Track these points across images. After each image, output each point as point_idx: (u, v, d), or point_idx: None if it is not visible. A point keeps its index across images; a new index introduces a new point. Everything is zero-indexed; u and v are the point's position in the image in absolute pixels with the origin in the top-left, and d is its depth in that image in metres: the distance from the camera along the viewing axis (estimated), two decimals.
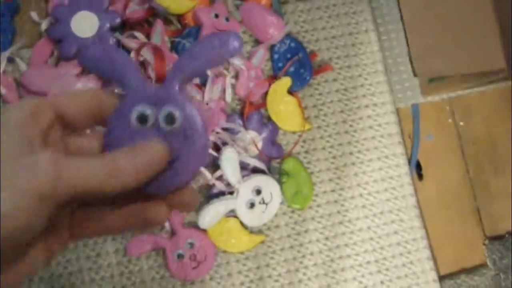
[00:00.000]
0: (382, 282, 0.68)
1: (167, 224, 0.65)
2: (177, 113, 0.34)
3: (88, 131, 0.36)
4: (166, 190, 0.35)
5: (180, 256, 0.64)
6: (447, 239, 0.71)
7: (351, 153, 0.69)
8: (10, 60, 0.64)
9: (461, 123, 0.72)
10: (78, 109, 0.34)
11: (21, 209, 0.28)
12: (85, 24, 0.63)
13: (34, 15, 0.65)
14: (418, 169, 0.71)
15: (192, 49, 0.35)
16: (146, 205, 0.35)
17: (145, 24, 0.66)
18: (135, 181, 0.32)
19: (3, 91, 0.63)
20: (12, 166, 0.29)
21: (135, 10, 0.65)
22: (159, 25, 0.64)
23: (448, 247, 0.71)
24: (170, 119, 0.34)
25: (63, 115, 0.33)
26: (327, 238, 0.68)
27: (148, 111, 0.34)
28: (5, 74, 0.64)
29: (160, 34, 0.65)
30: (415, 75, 0.56)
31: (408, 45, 0.59)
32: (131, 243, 0.64)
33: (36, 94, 0.62)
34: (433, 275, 0.69)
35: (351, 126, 0.69)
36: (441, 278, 0.70)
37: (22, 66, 0.64)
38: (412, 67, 0.55)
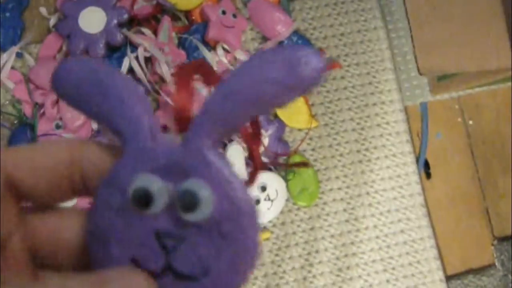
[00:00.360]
0: (388, 281, 0.68)
1: None
2: (204, 193, 0.21)
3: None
4: None
5: None
6: (455, 239, 0.70)
7: (358, 151, 0.69)
8: (19, 55, 0.65)
9: (471, 122, 0.72)
10: (42, 176, 0.22)
11: None
12: (92, 20, 0.64)
13: (43, 10, 0.66)
14: (426, 168, 0.71)
15: (237, 76, 0.21)
16: None
17: (152, 20, 0.66)
18: None
19: (12, 86, 0.64)
20: None
21: (143, 6, 0.66)
22: (166, 21, 0.65)
23: (456, 247, 0.70)
24: (193, 203, 0.21)
25: (16, 185, 0.22)
26: (332, 236, 0.68)
27: (157, 186, 0.21)
28: (14, 69, 0.65)
29: (167, 30, 0.65)
30: (420, 73, 0.55)
31: (412, 42, 0.59)
32: None
33: (43, 89, 0.63)
34: (440, 274, 0.68)
35: (358, 124, 0.69)
36: (448, 278, 0.69)
37: (31, 61, 0.65)
38: (417, 65, 0.55)
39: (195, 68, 0.23)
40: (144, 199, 0.21)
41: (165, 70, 0.64)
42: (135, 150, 0.22)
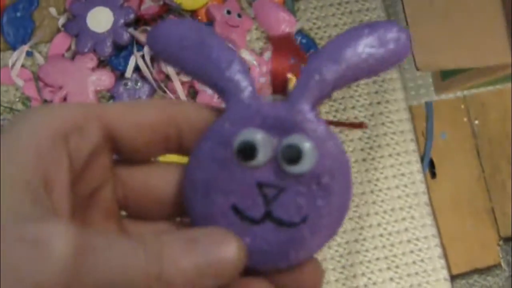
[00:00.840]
0: (391, 279, 0.68)
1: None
2: (309, 148, 0.23)
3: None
4: (281, 265, 0.24)
5: None
6: (460, 239, 0.70)
7: (362, 150, 0.69)
8: (29, 54, 0.67)
9: (476, 122, 0.72)
10: (141, 132, 0.23)
11: None
12: (100, 20, 0.65)
13: (52, 10, 0.68)
14: (431, 168, 0.71)
15: (337, 44, 0.24)
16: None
17: (158, 19, 0.68)
18: None
19: (22, 83, 0.66)
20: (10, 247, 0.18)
21: (149, 6, 0.67)
22: None
23: (461, 246, 0.70)
24: (297, 156, 0.23)
25: (115, 138, 0.23)
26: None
27: (261, 139, 0.23)
28: (24, 67, 0.67)
29: None
30: (417, 68, 0.56)
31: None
32: None
33: (52, 87, 0.65)
34: (444, 273, 0.68)
35: None
36: (453, 278, 0.69)
37: (40, 60, 0.67)
38: (414, 60, 0.55)
39: (288, 39, 0.27)
40: (249, 150, 0.23)
41: (171, 69, 0.65)
42: (239, 106, 0.23)
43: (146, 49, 0.66)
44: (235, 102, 0.24)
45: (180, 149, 0.25)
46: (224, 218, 0.23)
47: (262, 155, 0.23)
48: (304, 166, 0.23)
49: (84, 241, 0.19)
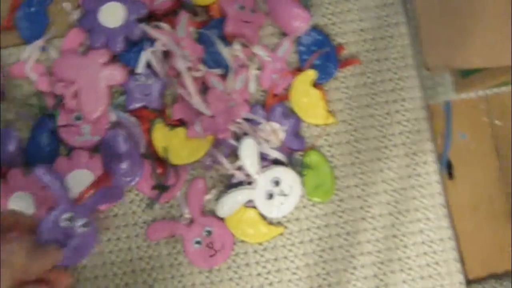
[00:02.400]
0: (404, 281, 0.66)
1: (186, 212, 0.66)
2: None
3: None
4: None
5: (198, 244, 0.65)
6: (476, 242, 0.68)
7: (376, 148, 0.68)
8: (43, 49, 0.68)
9: (497, 122, 0.69)
10: None
11: None
12: (112, 15, 0.66)
13: (66, 6, 0.68)
14: (449, 169, 0.69)
15: None
16: None
17: (171, 15, 0.67)
18: None
19: (35, 78, 0.66)
20: None
21: (162, 1, 0.67)
22: (183, 17, 0.66)
23: (478, 250, 0.68)
24: None
25: None
26: (348, 233, 0.67)
27: None
28: (38, 62, 0.68)
29: (184, 25, 0.66)
30: (426, 68, 0.54)
31: (419, 36, 0.57)
32: (151, 227, 0.66)
33: (64, 82, 0.65)
34: (459, 277, 0.66)
35: (377, 120, 0.68)
36: (469, 282, 0.67)
37: (54, 54, 0.67)
38: (423, 59, 0.53)
39: None
40: None
41: (182, 64, 0.65)
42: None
43: (157, 45, 0.65)
44: None
45: None
46: None
47: None
48: None
49: None
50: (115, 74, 0.66)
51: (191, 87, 0.65)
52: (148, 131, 0.66)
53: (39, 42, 0.67)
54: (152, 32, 0.65)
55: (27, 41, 0.67)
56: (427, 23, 0.54)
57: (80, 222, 0.54)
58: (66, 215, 0.53)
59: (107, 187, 0.60)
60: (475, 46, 0.51)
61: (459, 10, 0.52)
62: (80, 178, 0.65)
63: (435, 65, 0.53)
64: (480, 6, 0.51)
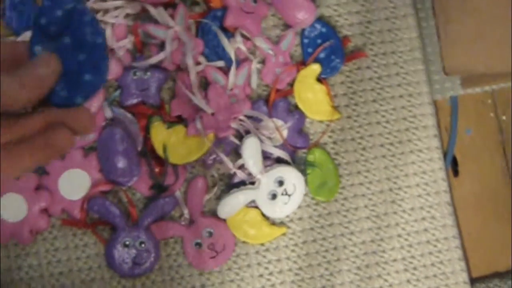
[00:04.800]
0: (408, 281, 0.65)
1: (186, 212, 0.64)
2: None
3: None
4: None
5: (198, 245, 0.63)
6: (481, 241, 0.67)
7: (382, 145, 0.66)
8: None
9: (504, 117, 0.68)
10: None
11: None
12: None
13: None
14: (454, 165, 0.67)
15: None
16: (49, 133, 0.36)
17: (169, 7, 0.64)
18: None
19: None
20: None
21: None
22: (181, 8, 0.62)
23: (482, 249, 0.67)
24: None
25: None
26: (352, 233, 0.65)
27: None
28: None
29: (183, 17, 0.62)
30: (445, 73, 0.52)
31: (439, 40, 0.55)
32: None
33: None
34: (464, 276, 0.65)
35: (383, 116, 0.66)
36: (473, 281, 0.66)
37: None
38: (443, 64, 0.51)
39: None
40: None
41: (190, 57, 0.61)
42: None
43: (170, 33, 0.62)
44: None
45: None
46: None
47: None
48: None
49: None
50: (111, 68, 0.62)
51: (195, 83, 0.62)
52: (145, 128, 0.63)
53: (28, 33, 0.62)
54: (167, 19, 0.62)
55: (15, 32, 0.63)
56: (446, 24, 0.51)
57: (138, 241, 0.61)
58: (126, 241, 0.61)
59: (156, 202, 0.62)
60: (497, 49, 0.49)
61: (480, 10, 0.50)
62: (74, 178, 0.62)
63: (455, 70, 0.50)
64: (502, 5, 0.49)
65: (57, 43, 0.37)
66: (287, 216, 0.65)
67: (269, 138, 0.64)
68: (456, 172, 0.67)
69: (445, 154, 0.67)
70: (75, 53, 0.37)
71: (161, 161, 0.63)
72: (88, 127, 0.38)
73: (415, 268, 0.65)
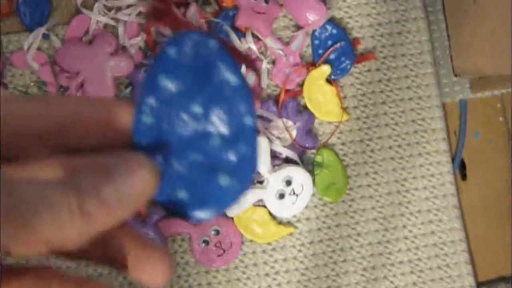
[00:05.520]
0: (414, 284, 0.65)
1: None
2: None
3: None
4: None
5: (205, 243, 0.64)
6: (487, 245, 0.67)
7: (390, 147, 0.66)
8: (46, 37, 0.64)
9: None
10: (12, 126, 0.21)
11: None
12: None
13: None
14: (462, 169, 0.67)
15: None
16: None
17: (181, 6, 0.64)
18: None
19: (37, 67, 0.63)
20: None
21: None
22: (193, 7, 0.63)
23: (489, 253, 0.67)
24: None
25: None
26: (359, 234, 0.65)
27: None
28: (40, 50, 0.64)
29: (195, 16, 0.63)
30: (455, 74, 0.52)
31: (449, 41, 0.55)
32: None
33: (69, 72, 0.62)
34: (470, 280, 0.65)
35: (392, 119, 0.66)
36: (479, 285, 0.66)
37: (57, 43, 0.64)
38: (452, 65, 0.51)
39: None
40: None
41: None
42: None
43: None
44: None
45: (66, 146, 0.23)
46: None
47: None
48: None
49: (6, 183, 0.19)
50: (122, 65, 0.62)
51: None
52: None
53: (41, 30, 0.63)
54: (163, 29, 0.62)
55: (28, 28, 0.64)
56: (457, 25, 0.52)
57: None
58: None
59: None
60: (508, 52, 0.49)
61: (492, 11, 0.50)
62: None
63: (464, 72, 0.50)
64: (510, 13, 0.49)
65: (177, 111, 0.24)
66: (295, 216, 0.65)
67: (278, 138, 0.64)
68: (464, 176, 0.68)
69: (453, 158, 0.67)
70: (206, 132, 0.24)
71: None
72: (158, 282, 0.24)
73: (421, 271, 0.65)
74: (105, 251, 0.24)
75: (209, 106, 0.24)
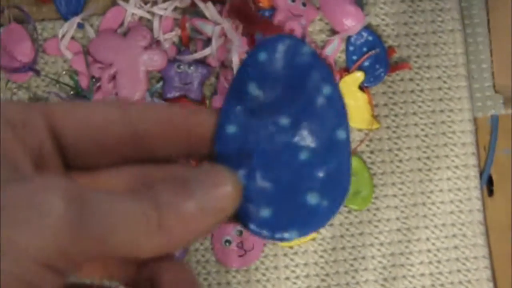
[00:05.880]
0: None
1: None
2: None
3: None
4: None
5: (227, 242, 0.63)
6: (511, 263, 0.66)
7: (419, 159, 0.65)
8: (80, 26, 0.64)
9: None
10: (86, 128, 0.21)
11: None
12: None
13: None
14: (489, 185, 0.67)
15: None
16: None
17: (218, 3, 0.64)
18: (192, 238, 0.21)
19: (70, 56, 0.63)
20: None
21: None
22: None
23: (510, 270, 0.66)
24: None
25: (61, 137, 0.21)
26: (382, 244, 0.65)
27: None
28: (74, 39, 0.64)
29: None
30: (495, 90, 0.51)
31: (491, 56, 0.54)
32: None
33: (102, 63, 0.62)
34: None
35: (422, 130, 0.66)
36: None
37: (91, 33, 0.64)
38: (493, 81, 0.50)
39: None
40: None
41: (236, 55, 0.61)
42: None
43: (217, 30, 0.62)
44: None
45: (140, 155, 0.22)
46: None
47: None
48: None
49: (79, 194, 0.18)
50: (155, 59, 0.62)
51: None
52: None
53: (76, 19, 0.63)
54: (216, 15, 0.62)
55: (64, 16, 0.64)
56: (500, 40, 0.51)
57: None
58: None
59: None
60: None
61: None
62: None
63: (506, 88, 0.50)
64: None
65: (265, 123, 0.23)
66: None
67: None
68: (491, 192, 0.67)
69: (480, 173, 0.67)
70: (294, 147, 0.22)
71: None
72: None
73: (442, 285, 0.65)
74: (151, 282, 0.23)
75: (300, 117, 0.22)
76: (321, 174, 0.22)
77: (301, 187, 0.22)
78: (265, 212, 0.22)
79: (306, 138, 0.22)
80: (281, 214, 0.22)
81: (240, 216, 0.22)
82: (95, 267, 0.21)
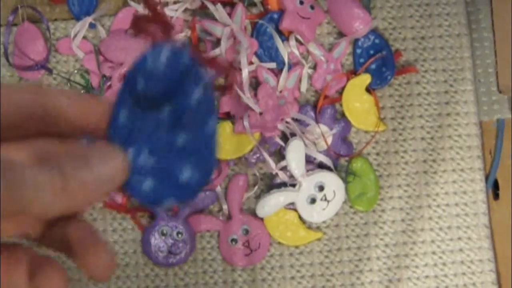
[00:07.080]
0: None
1: (224, 207, 0.64)
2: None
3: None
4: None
5: (233, 241, 0.64)
6: None
7: (424, 161, 0.66)
8: (92, 26, 0.65)
9: None
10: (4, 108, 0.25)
11: None
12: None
13: None
14: (495, 188, 0.67)
15: None
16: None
17: (227, 6, 0.65)
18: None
19: (82, 55, 0.64)
20: None
21: None
22: (240, 8, 0.63)
23: None
24: None
25: None
26: (387, 245, 0.65)
27: None
28: (86, 39, 0.65)
29: (240, 16, 0.63)
30: (499, 90, 0.52)
31: (496, 57, 0.55)
32: (189, 220, 0.64)
33: (113, 63, 0.63)
34: None
35: (428, 132, 0.66)
36: None
37: (103, 33, 0.65)
38: (497, 81, 0.51)
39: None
40: None
41: (244, 56, 0.62)
42: None
43: (226, 31, 0.63)
44: None
45: (48, 131, 0.27)
46: None
47: None
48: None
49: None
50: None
51: (246, 81, 0.63)
52: None
53: (88, 19, 0.64)
54: (225, 17, 0.63)
55: (76, 16, 0.65)
56: (505, 42, 0.52)
57: (175, 231, 0.62)
58: (164, 230, 0.62)
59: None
60: None
61: None
62: None
63: (509, 89, 0.50)
64: None
65: (149, 113, 0.28)
66: (324, 222, 0.65)
67: (314, 143, 0.64)
68: (496, 195, 0.67)
69: (486, 177, 0.67)
70: (172, 133, 0.28)
71: None
72: (101, 273, 0.27)
73: (447, 287, 0.65)
74: (61, 239, 0.27)
75: (178, 109, 0.28)
76: (193, 154, 0.28)
77: (177, 164, 0.27)
78: (147, 183, 0.27)
79: (182, 127, 0.28)
80: (160, 185, 0.27)
81: (128, 186, 0.27)
82: (10, 225, 0.26)
